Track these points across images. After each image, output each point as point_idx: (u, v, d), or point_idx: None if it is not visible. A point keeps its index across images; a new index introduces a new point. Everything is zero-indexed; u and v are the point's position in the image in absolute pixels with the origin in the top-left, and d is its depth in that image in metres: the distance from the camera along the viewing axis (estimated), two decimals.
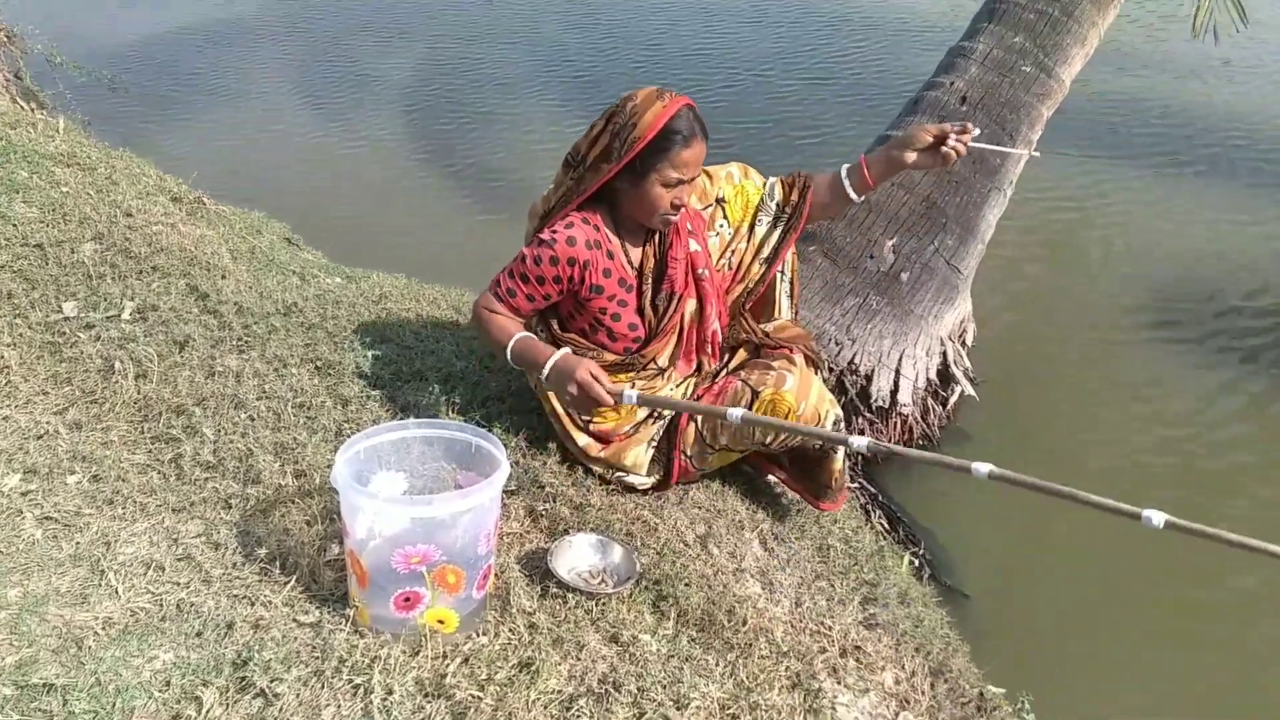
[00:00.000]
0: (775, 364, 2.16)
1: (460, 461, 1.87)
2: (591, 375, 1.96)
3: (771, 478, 2.48)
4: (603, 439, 2.20)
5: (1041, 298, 4.30)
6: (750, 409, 2.06)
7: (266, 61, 7.55)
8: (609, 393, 1.97)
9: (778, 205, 2.25)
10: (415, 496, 1.80)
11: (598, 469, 2.22)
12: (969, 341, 3.66)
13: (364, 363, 2.49)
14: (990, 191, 3.45)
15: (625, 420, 2.20)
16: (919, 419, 3.37)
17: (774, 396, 2.07)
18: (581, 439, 2.20)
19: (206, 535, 1.87)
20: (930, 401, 3.43)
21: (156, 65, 7.50)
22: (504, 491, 2.09)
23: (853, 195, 2.18)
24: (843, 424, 2.19)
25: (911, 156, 2.08)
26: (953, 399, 3.47)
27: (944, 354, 3.46)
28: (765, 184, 2.27)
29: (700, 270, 2.17)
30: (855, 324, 3.31)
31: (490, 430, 2.09)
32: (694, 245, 2.17)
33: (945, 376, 3.48)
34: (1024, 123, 3.43)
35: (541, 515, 2.11)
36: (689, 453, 2.20)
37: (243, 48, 7.83)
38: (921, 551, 2.90)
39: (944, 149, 2.06)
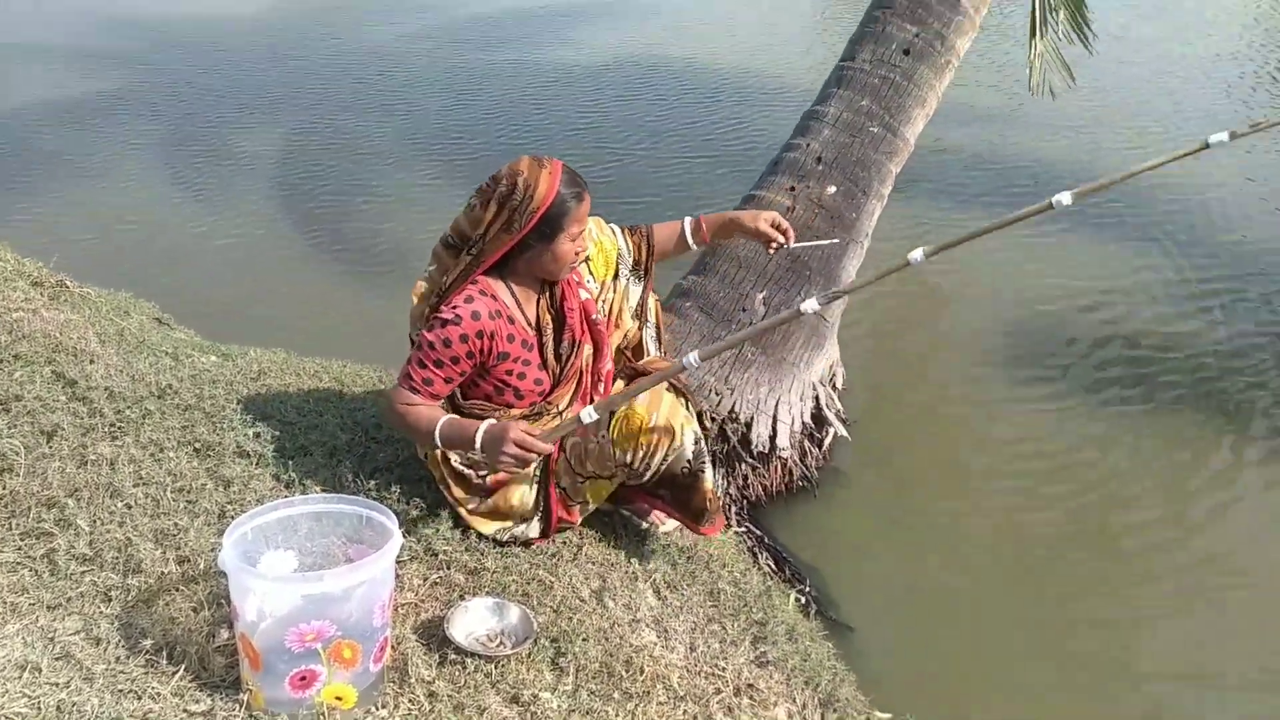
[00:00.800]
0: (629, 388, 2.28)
1: (351, 535, 1.88)
2: (523, 432, 1.99)
3: (657, 518, 2.57)
4: (491, 489, 2.24)
5: (904, 341, 4.58)
6: (608, 427, 2.20)
7: (129, 140, 7.33)
8: (543, 440, 2.00)
9: (634, 259, 2.45)
10: (306, 573, 1.80)
11: (488, 531, 2.26)
12: (839, 385, 3.86)
13: (245, 442, 2.46)
14: (849, 244, 3.68)
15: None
16: (798, 461, 3.52)
17: (626, 412, 2.20)
18: (471, 503, 2.24)
19: (86, 631, 1.81)
20: (807, 444, 3.59)
21: (11, 146, 7.19)
22: (397, 562, 2.11)
23: (691, 245, 2.47)
24: (703, 441, 2.30)
25: (745, 230, 2.43)
26: (828, 440, 3.65)
27: (817, 398, 3.64)
28: (616, 237, 2.44)
29: (594, 315, 2.31)
30: (733, 374, 3.45)
31: (381, 501, 2.11)
32: (583, 294, 2.31)
33: (819, 419, 3.66)
34: (875, 178, 3.69)
35: (437, 583, 2.13)
36: (563, 484, 2.28)
37: (104, 127, 7.59)
38: (807, 589, 3.02)
39: (771, 242, 2.42)
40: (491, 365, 2.17)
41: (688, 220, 2.45)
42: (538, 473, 2.26)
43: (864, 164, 3.68)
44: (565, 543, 2.36)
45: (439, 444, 2.11)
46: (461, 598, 2.06)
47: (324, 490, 2.27)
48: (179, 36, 9.96)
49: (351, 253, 5.56)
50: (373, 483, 2.37)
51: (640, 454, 2.22)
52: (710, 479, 2.32)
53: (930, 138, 6.33)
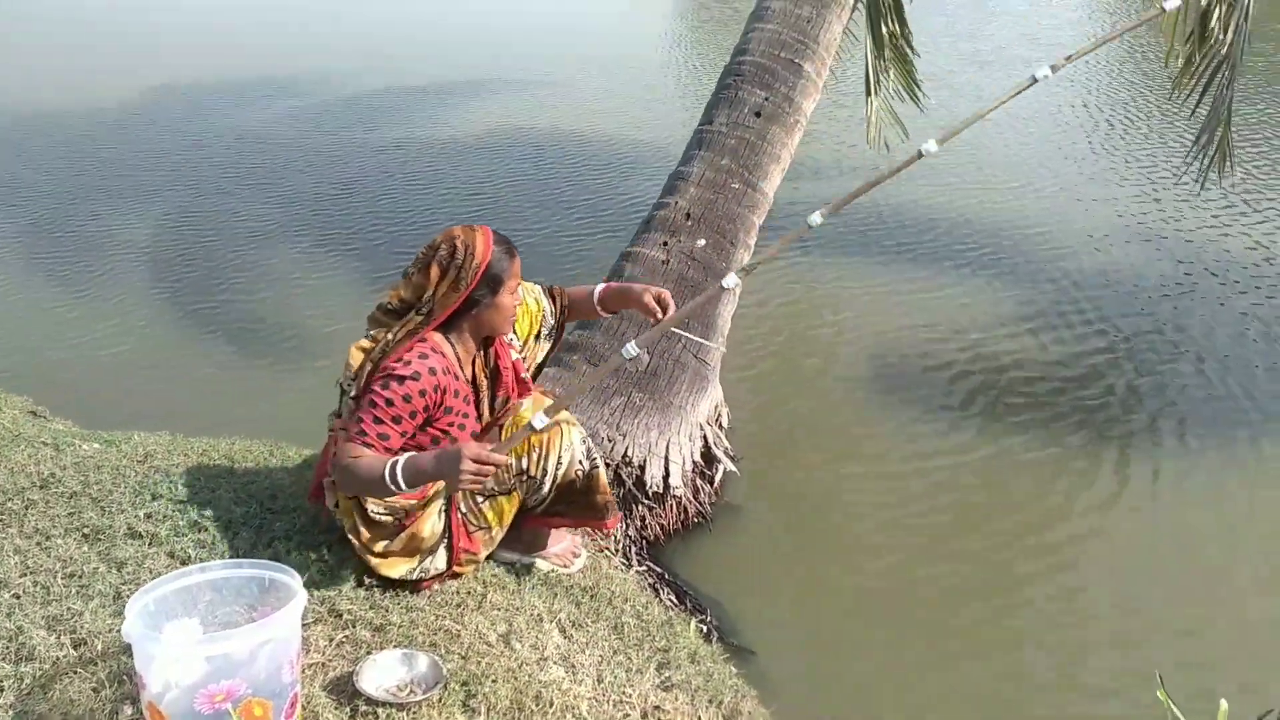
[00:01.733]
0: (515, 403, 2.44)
1: (254, 600, 1.91)
2: (477, 448, 2.04)
3: (562, 559, 2.68)
4: (403, 526, 2.29)
5: (782, 379, 4.83)
6: (499, 439, 2.31)
7: None
8: (499, 453, 2.07)
9: (555, 319, 2.63)
10: (213, 634, 1.82)
11: (398, 574, 2.31)
12: (725, 424, 4.05)
13: (136, 523, 2.44)
14: (722, 292, 3.90)
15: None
16: (691, 499, 3.67)
17: (514, 419, 2.35)
18: (380, 544, 2.29)
19: None
20: (699, 482, 3.75)
21: None
22: (301, 624, 2.14)
23: (598, 310, 2.64)
24: (589, 440, 2.47)
25: (633, 301, 2.53)
26: (718, 477, 3.81)
27: (704, 438, 3.81)
28: (541, 299, 2.61)
29: (523, 374, 2.47)
30: (623, 420, 3.59)
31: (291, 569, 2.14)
32: (514, 354, 2.47)
33: (709, 458, 3.83)
34: (740, 230, 3.95)
35: (343, 642, 2.16)
36: (463, 509, 2.37)
37: None
38: (708, 618, 3.15)
39: (655, 314, 2.51)
40: (437, 418, 2.26)
41: (598, 288, 2.61)
42: (444, 500, 2.34)
43: (729, 218, 3.93)
44: (469, 592, 2.43)
45: (399, 484, 2.09)
46: (369, 653, 2.10)
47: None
48: (45, 126, 9.68)
49: (232, 332, 5.50)
50: (270, 552, 2.39)
51: (535, 456, 2.35)
52: (603, 475, 2.49)
53: (789, 189, 6.74)
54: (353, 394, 2.26)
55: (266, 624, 1.71)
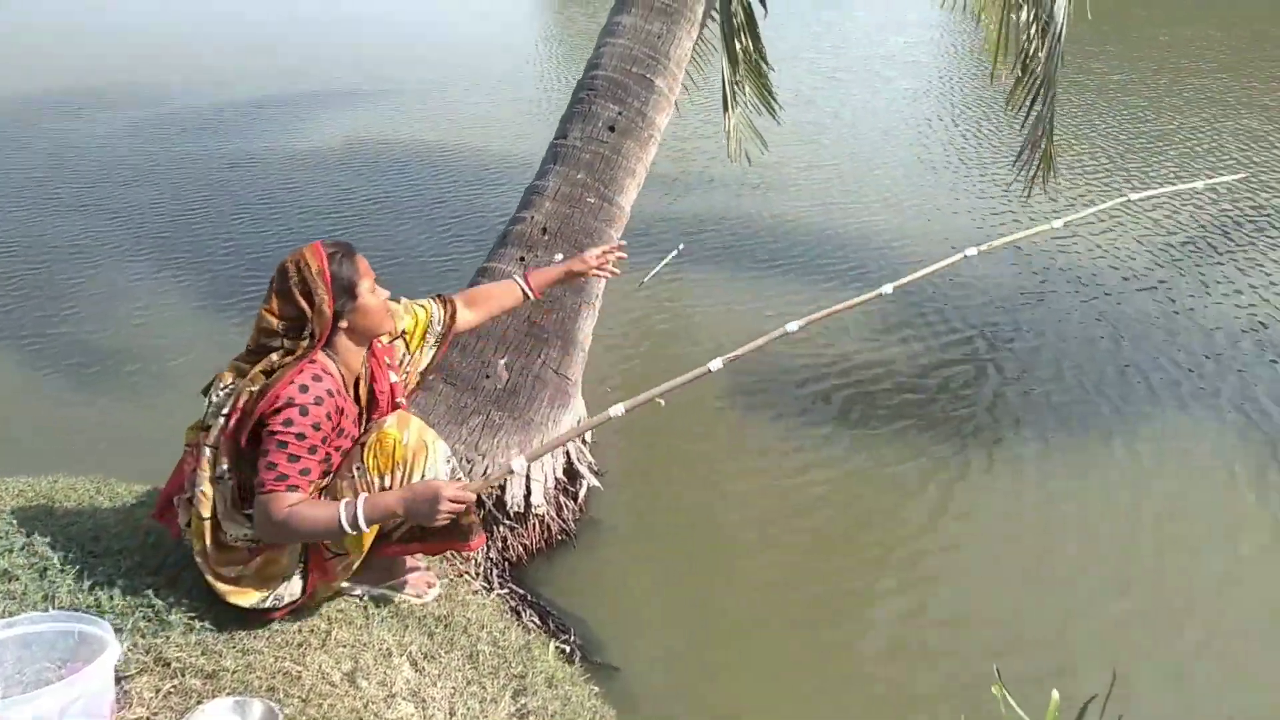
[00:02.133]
0: (377, 420, 2.35)
1: (65, 656, 1.78)
2: (455, 488, 2.08)
3: (416, 589, 2.60)
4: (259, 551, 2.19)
5: (645, 388, 4.85)
6: (361, 460, 2.22)
7: None
8: (469, 490, 2.12)
9: (442, 327, 2.60)
10: (15, 696, 1.67)
11: (250, 602, 2.20)
12: (588, 439, 4.04)
13: None
14: (581, 306, 3.90)
15: None
16: (554, 516, 3.64)
17: (378, 436, 2.24)
18: (233, 571, 2.19)
19: None
20: (562, 499, 3.72)
21: None
22: (123, 676, 2.00)
23: (530, 294, 2.72)
24: (452, 459, 2.41)
25: (580, 275, 2.76)
26: (582, 492, 3.80)
27: (567, 454, 3.79)
28: (431, 305, 2.59)
29: (399, 399, 2.41)
30: (482, 440, 3.53)
31: (103, 617, 2.00)
32: (393, 376, 2.41)
33: (572, 474, 3.81)
34: (598, 244, 3.94)
35: (171, 693, 2.03)
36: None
37: None
38: (571, 638, 3.12)
39: (595, 271, 2.76)
40: (333, 441, 2.19)
41: (518, 277, 2.71)
42: None
43: (586, 232, 3.92)
44: (313, 630, 2.33)
45: (363, 523, 2.07)
46: (199, 702, 1.98)
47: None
48: None
49: (66, 362, 5.13)
50: (92, 599, 2.23)
51: (399, 474, 2.25)
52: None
53: (660, 202, 6.81)
54: (225, 411, 2.14)
55: (73, 681, 1.59)
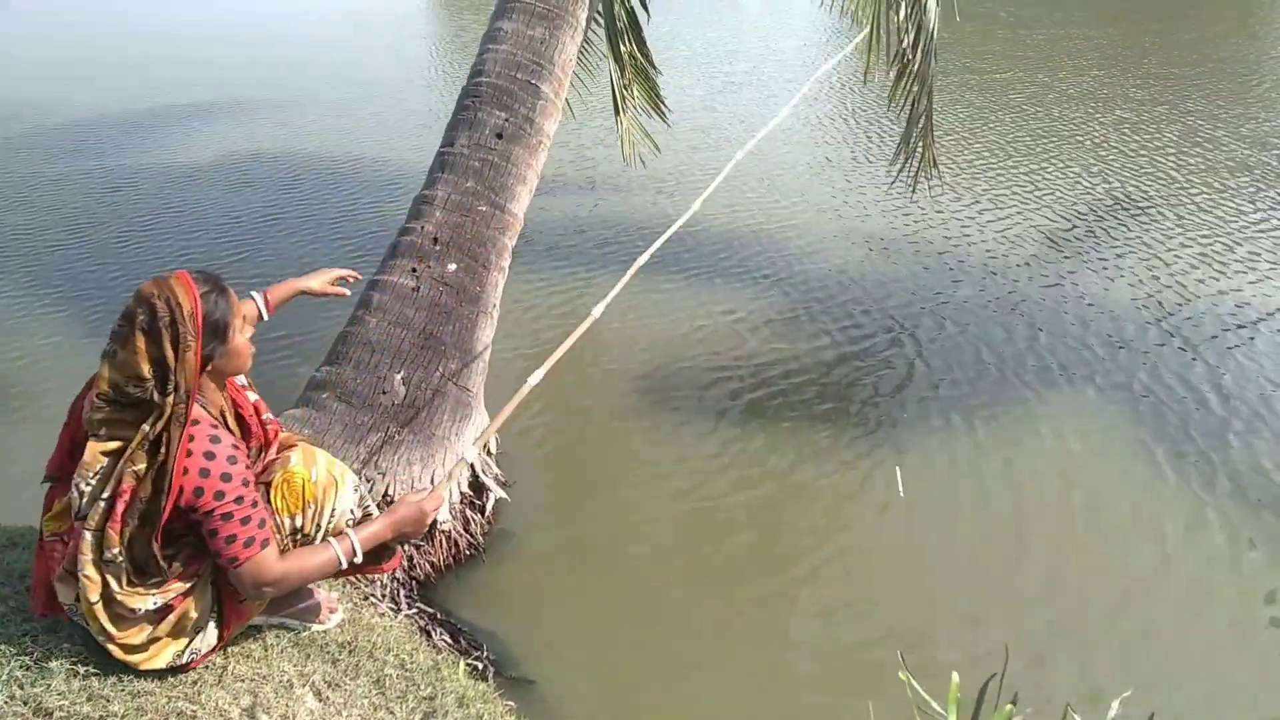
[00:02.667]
0: (276, 455, 2.28)
1: None
2: (424, 500, 2.22)
3: (322, 614, 2.52)
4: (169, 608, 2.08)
5: (555, 397, 4.82)
6: (269, 501, 2.15)
7: None
8: (440, 492, 2.27)
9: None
10: None
11: (164, 662, 2.09)
12: (494, 450, 3.99)
13: None
14: (478, 315, 3.85)
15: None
16: (462, 531, 3.58)
17: (285, 476, 2.18)
18: (140, 636, 2.06)
19: None
20: (469, 513, 3.66)
21: None
22: None
23: (265, 318, 2.57)
24: (360, 487, 2.35)
25: (315, 292, 2.71)
26: (489, 505, 3.74)
27: (472, 466, 3.73)
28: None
29: (265, 416, 2.29)
30: (382, 458, 3.44)
31: None
32: (251, 395, 2.28)
33: (478, 487, 3.75)
34: (492, 253, 3.90)
35: None
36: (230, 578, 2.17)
37: None
38: (484, 654, 3.07)
39: (335, 288, 2.75)
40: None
41: (256, 294, 2.56)
42: (211, 573, 2.12)
43: (479, 240, 3.88)
44: (208, 667, 2.23)
45: (355, 562, 2.15)
46: None
47: None
48: None
49: None
50: None
51: (310, 513, 2.18)
52: (374, 514, 2.34)
53: (540, 208, 6.78)
54: (106, 496, 1.96)
55: None
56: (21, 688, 2.03)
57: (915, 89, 5.17)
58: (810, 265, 6.38)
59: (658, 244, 3.15)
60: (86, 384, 2.10)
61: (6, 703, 1.97)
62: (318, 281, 2.71)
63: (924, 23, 5.12)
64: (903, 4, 5.16)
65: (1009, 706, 1.93)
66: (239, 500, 1.98)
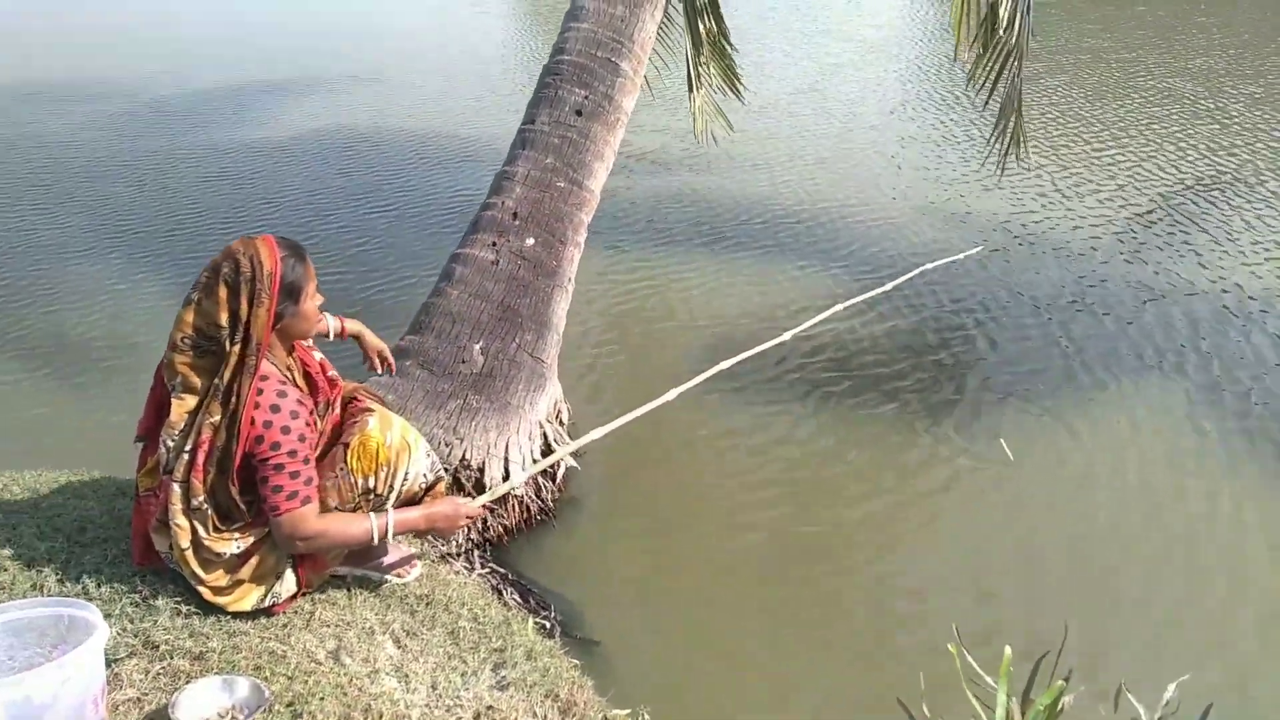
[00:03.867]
0: (356, 417, 2.42)
1: (55, 641, 1.83)
2: (476, 507, 2.43)
3: (400, 570, 2.67)
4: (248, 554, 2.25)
5: (621, 369, 4.93)
6: (345, 461, 2.30)
7: None
8: (480, 504, 2.49)
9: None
10: (8, 679, 1.73)
11: (250, 605, 2.27)
12: (565, 420, 4.11)
13: None
14: (554, 289, 3.96)
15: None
16: (534, 497, 3.72)
17: (361, 439, 2.32)
18: (225, 580, 2.24)
19: None
20: (541, 479, 3.80)
21: None
22: (113, 659, 2.06)
23: (332, 334, 2.67)
24: (432, 453, 2.51)
25: (364, 346, 2.79)
26: (560, 473, 3.87)
27: (544, 435, 3.86)
28: None
29: (330, 372, 2.43)
30: (460, 424, 3.59)
31: (91, 603, 2.05)
32: (316, 354, 2.42)
33: (549, 454, 3.88)
34: (569, 228, 4.01)
35: (160, 674, 2.09)
36: None
37: None
38: (551, 614, 3.20)
39: (376, 363, 2.80)
40: (311, 438, 2.23)
41: (332, 319, 2.67)
42: None
43: (557, 216, 3.98)
44: (296, 611, 2.39)
45: (390, 536, 2.30)
46: (187, 682, 2.04)
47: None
48: None
49: (35, 355, 5.14)
50: (79, 588, 2.28)
51: (382, 475, 2.33)
52: (444, 480, 2.53)
53: (619, 185, 6.86)
54: (188, 448, 2.14)
55: (65, 661, 1.65)
56: (131, 622, 2.22)
57: (1013, 65, 5.05)
58: (863, 244, 6.33)
59: (745, 355, 3.37)
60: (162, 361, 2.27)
61: (118, 635, 2.16)
62: (372, 341, 2.79)
63: None
64: None
65: (1060, 683, 1.96)
66: (292, 454, 2.13)
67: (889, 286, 4.37)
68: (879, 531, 3.76)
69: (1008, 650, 1.98)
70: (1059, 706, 2.00)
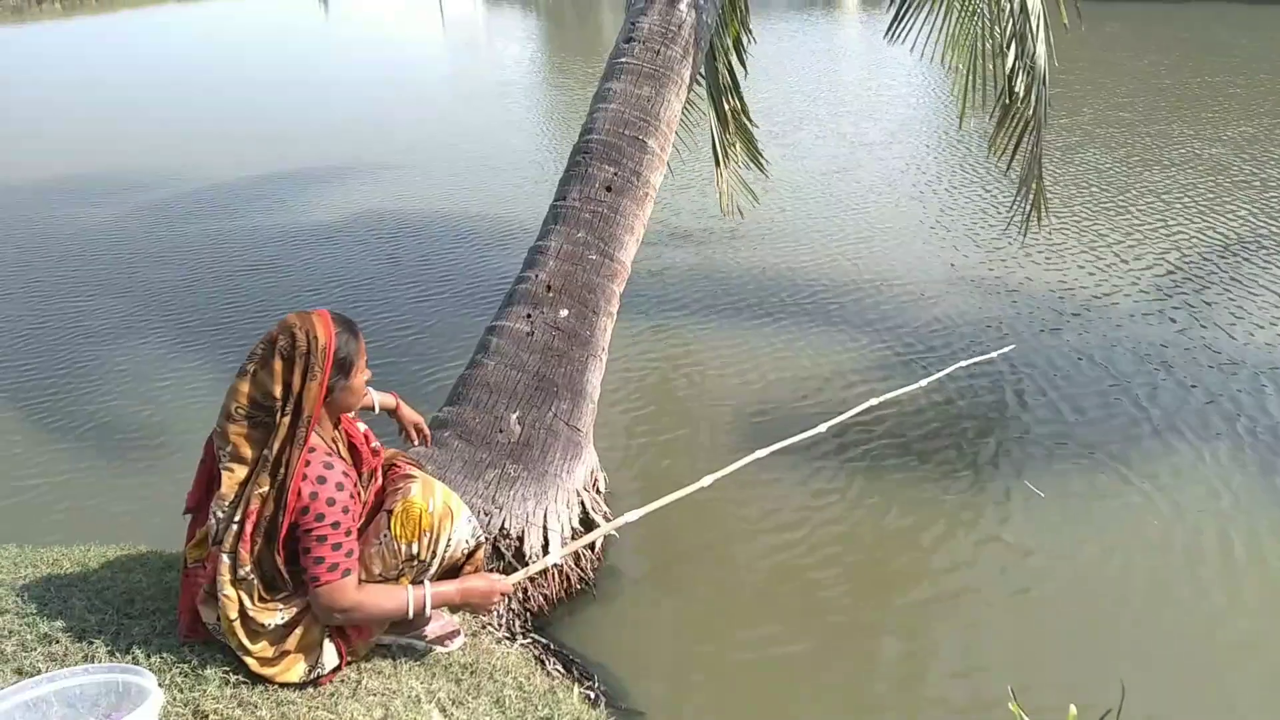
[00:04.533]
0: (399, 483, 2.44)
1: (110, 708, 1.84)
2: (509, 583, 2.48)
3: (443, 639, 2.67)
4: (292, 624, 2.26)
5: (655, 440, 4.93)
6: (389, 527, 2.34)
7: None
8: (516, 580, 2.56)
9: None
10: None
11: (297, 678, 2.27)
12: (602, 488, 4.11)
13: None
14: (588, 358, 4.01)
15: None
16: (574, 565, 3.70)
17: (405, 505, 2.35)
18: (272, 651, 2.25)
19: None
20: (581, 549, 3.78)
21: None
22: None
23: (376, 408, 2.75)
24: (473, 520, 2.52)
25: (401, 419, 2.88)
26: (599, 542, 3.85)
27: (582, 503, 3.85)
28: None
29: (374, 444, 2.47)
30: (499, 493, 3.61)
31: (144, 669, 2.06)
32: (361, 425, 2.47)
33: (588, 524, 3.87)
34: (601, 299, 4.08)
35: None
36: None
37: None
38: (595, 684, 3.16)
39: (413, 435, 2.90)
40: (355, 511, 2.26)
41: (375, 393, 2.73)
42: None
43: (589, 287, 4.06)
44: (343, 680, 2.39)
45: (427, 611, 2.32)
46: None
47: None
48: None
49: (81, 437, 5.24)
50: (129, 658, 2.29)
51: (425, 541, 2.35)
52: (481, 555, 2.55)
53: (649, 259, 6.96)
54: (238, 519, 2.18)
55: None
56: (181, 691, 2.22)
57: (1031, 133, 5.16)
58: (888, 310, 6.36)
59: (783, 444, 3.47)
60: (213, 431, 2.32)
61: (169, 705, 2.16)
62: (408, 413, 2.88)
63: (1035, 67, 5.13)
64: (1010, 50, 5.19)
65: None
66: (335, 525, 2.16)
67: (924, 383, 4.44)
68: (923, 595, 3.69)
69: (1072, 709, 1.93)
70: None
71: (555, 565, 3.63)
